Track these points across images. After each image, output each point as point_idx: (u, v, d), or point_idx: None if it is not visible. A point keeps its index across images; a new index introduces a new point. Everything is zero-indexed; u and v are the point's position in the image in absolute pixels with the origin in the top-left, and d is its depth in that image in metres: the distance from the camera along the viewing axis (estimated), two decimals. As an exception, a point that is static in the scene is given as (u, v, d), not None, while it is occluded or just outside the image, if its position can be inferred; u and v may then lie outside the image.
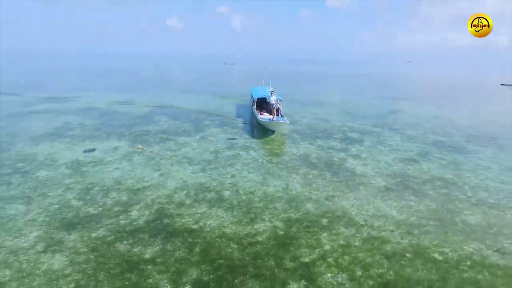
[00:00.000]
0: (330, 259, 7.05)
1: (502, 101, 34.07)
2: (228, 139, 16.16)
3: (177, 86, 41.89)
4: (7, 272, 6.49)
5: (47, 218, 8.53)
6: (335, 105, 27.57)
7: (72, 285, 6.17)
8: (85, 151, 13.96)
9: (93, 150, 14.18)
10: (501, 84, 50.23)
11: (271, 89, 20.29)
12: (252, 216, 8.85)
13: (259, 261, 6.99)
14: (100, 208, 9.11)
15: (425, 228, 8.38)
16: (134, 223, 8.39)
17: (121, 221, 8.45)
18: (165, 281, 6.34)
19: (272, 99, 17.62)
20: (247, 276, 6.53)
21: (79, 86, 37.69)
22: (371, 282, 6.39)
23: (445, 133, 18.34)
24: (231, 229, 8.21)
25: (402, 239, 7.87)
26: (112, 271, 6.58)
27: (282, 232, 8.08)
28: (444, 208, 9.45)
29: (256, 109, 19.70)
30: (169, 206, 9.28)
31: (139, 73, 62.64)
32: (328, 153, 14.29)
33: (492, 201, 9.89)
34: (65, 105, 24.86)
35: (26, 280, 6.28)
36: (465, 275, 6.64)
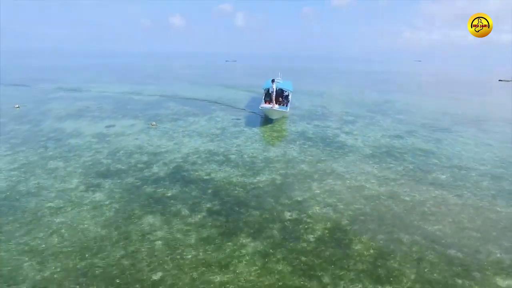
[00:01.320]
0: (318, 198, 8.67)
1: (497, 94, 35.29)
2: (233, 119, 17.81)
3: (183, 79, 43.58)
4: (61, 202, 8.18)
5: (84, 171, 10.23)
6: (336, 96, 29.10)
7: (113, 211, 7.84)
8: (106, 127, 15.67)
9: (113, 126, 15.89)
10: (499, 80, 51.29)
11: (279, 80, 21.15)
12: (255, 171, 10.49)
13: (260, 198, 8.63)
14: (126, 165, 10.79)
15: (400, 181, 9.95)
16: (156, 174, 10.06)
17: (145, 173, 10.13)
18: (185, 209, 7.99)
19: (273, 87, 17.82)
20: (251, 208, 8.17)
21: (89, 79, 39.55)
22: (350, 213, 7.98)
23: (434, 118, 19.78)
24: (237, 179, 9.85)
25: (379, 187, 9.46)
26: (142, 203, 8.25)
27: (279, 181, 9.71)
28: (419, 168, 11.01)
29: (265, 99, 19.75)
30: (184, 164, 10.94)
31: (145, 69, 64.44)
32: (323, 130, 15.89)
33: (462, 165, 11.41)
34: (80, 94, 26.65)
35: (76, 208, 7.95)
36: (426, 209, 8.23)
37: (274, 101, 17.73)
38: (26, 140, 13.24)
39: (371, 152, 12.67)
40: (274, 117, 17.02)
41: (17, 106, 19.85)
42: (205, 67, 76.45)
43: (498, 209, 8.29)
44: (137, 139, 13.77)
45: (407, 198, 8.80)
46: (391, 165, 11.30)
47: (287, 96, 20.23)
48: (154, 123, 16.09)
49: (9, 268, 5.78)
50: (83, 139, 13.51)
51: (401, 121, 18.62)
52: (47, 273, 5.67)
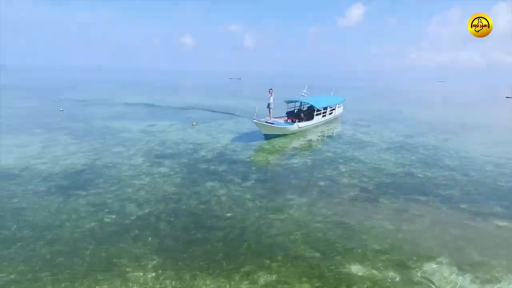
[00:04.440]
0: (345, 174, 10.36)
1: (503, 109, 36.91)
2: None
3: (199, 92, 46.29)
4: (135, 172, 10.03)
5: (143, 154, 12.13)
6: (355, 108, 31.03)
7: (179, 178, 9.62)
8: (148, 125, 17.74)
9: (154, 125, 17.96)
10: (506, 97, 52.99)
11: (305, 93, 19.20)
12: (287, 156, 12.32)
13: (297, 173, 10.38)
14: (177, 150, 12.69)
15: (414, 165, 11.58)
16: (205, 157, 11.90)
17: (195, 156, 11.99)
18: (237, 178, 9.74)
19: (270, 99, 15.54)
20: (290, 179, 9.90)
21: (111, 91, 42.42)
22: (374, 183, 9.62)
23: (442, 125, 21.41)
24: (275, 162, 11.67)
25: (396, 168, 11.10)
26: (200, 174, 10.05)
27: (310, 164, 11.46)
28: (430, 158, 12.63)
29: (286, 113, 18.42)
30: (226, 151, 12.79)
31: (160, 83, 67.83)
32: (342, 130, 17.70)
33: (468, 156, 13.00)
34: (111, 102, 29.10)
35: (148, 176, 9.77)
36: (437, 182, 9.82)
37: (270, 114, 15.68)
38: (85, 133, 15.30)
39: (386, 146, 14.36)
40: (265, 132, 14.90)
41: (61, 109, 22.21)
42: (220, 83, 79.87)
43: (500, 183, 9.83)
44: (178, 134, 15.75)
45: (420, 175, 10.42)
46: (405, 155, 12.94)
47: (311, 112, 18.39)
48: (194, 123, 18.15)
49: (116, 208, 7.54)
50: (132, 134, 15.53)
51: (411, 125, 20.31)
52: (146, 211, 7.42)
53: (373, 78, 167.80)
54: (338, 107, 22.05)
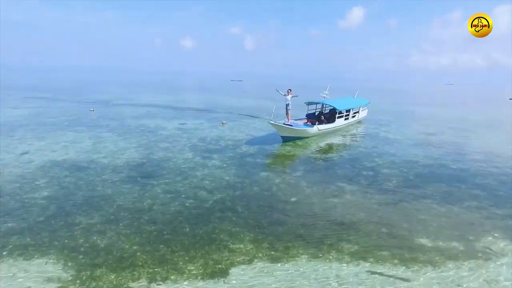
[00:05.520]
0: (384, 165, 11.24)
1: (507, 109, 37.93)
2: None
3: (211, 93, 47.19)
4: (191, 164, 10.88)
5: (190, 148, 12.98)
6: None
7: (233, 170, 10.47)
8: (180, 124, 18.61)
9: (185, 123, 18.83)
10: (510, 99, 53.98)
11: (327, 94, 18.13)
12: (324, 151, 13.17)
13: (338, 165, 11.26)
14: (219, 146, 13.54)
15: (445, 158, 12.48)
16: (247, 152, 12.75)
17: (238, 151, 12.84)
18: (286, 169, 10.62)
19: (288, 98, 14.94)
20: (335, 169, 10.76)
21: (129, 92, 43.30)
22: (413, 173, 10.49)
23: (457, 123, 22.41)
24: (314, 156, 12.55)
25: (429, 161, 12.00)
26: (251, 166, 10.91)
27: (347, 157, 12.39)
28: (456, 152, 13.55)
29: (307, 115, 18.04)
30: (264, 146, 13.71)
31: (173, 84, 68.77)
32: (365, 129, 18.60)
33: (492, 151, 13.88)
34: (134, 102, 29.96)
35: (204, 168, 10.61)
36: (472, 171, 10.69)
37: (288, 115, 15.17)
38: (125, 131, 16.14)
39: (412, 142, 15.25)
40: (282, 134, 14.40)
41: (92, 109, 23.07)
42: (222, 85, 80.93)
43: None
44: (212, 131, 16.62)
45: (454, 167, 11.31)
46: (432, 150, 13.85)
47: (333, 114, 17.55)
48: (224, 122, 19.02)
49: (191, 195, 8.39)
50: (169, 131, 16.39)
51: (429, 125, 21.28)
52: (218, 196, 8.28)
53: (376, 79, 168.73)
54: (362, 109, 21.28)
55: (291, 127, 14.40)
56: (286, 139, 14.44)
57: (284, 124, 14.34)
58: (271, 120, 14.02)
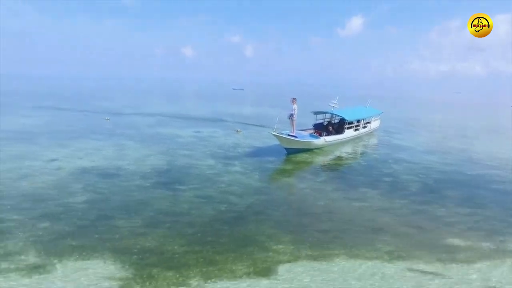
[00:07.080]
0: (402, 172, 11.59)
1: (509, 116, 38.63)
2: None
3: (217, 102, 47.78)
4: (215, 171, 11.23)
5: (210, 156, 13.32)
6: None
7: (257, 176, 10.79)
8: (194, 132, 19.00)
9: (200, 131, 19.22)
10: (511, 106, 54.78)
11: (335, 104, 17.25)
12: (342, 159, 13.53)
13: (358, 171, 11.60)
14: (238, 153, 13.90)
15: (460, 164, 12.88)
16: (267, 159, 13.13)
17: (258, 158, 13.18)
18: (308, 176, 10.96)
19: (293, 108, 13.91)
20: (356, 176, 11.10)
21: (136, 100, 43.87)
22: (432, 178, 10.83)
23: (463, 130, 22.91)
24: (333, 163, 12.94)
25: (445, 167, 12.38)
26: (273, 172, 11.27)
27: (365, 164, 12.78)
28: (470, 159, 13.96)
29: (314, 126, 17.14)
30: (282, 153, 13.98)
31: (178, 92, 69.52)
32: (375, 137, 19.03)
33: (503, 157, 14.27)
34: (143, 112, 30.43)
35: (229, 174, 10.95)
36: (487, 178, 11.04)
37: (293, 126, 14.15)
38: (144, 139, 16.50)
39: (425, 149, 15.67)
40: (286, 146, 13.53)
41: (108, 118, 23.48)
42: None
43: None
44: (228, 139, 17.01)
45: (470, 173, 11.69)
46: (446, 156, 14.27)
47: (342, 125, 16.74)
48: (239, 129, 19.42)
49: (223, 199, 8.71)
50: (186, 139, 16.77)
51: (437, 132, 21.73)
52: (249, 201, 8.60)
53: (376, 87, 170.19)
54: (374, 120, 20.54)
55: (295, 138, 13.47)
56: (290, 152, 13.62)
57: (288, 135, 13.49)
58: (273, 131, 13.16)
